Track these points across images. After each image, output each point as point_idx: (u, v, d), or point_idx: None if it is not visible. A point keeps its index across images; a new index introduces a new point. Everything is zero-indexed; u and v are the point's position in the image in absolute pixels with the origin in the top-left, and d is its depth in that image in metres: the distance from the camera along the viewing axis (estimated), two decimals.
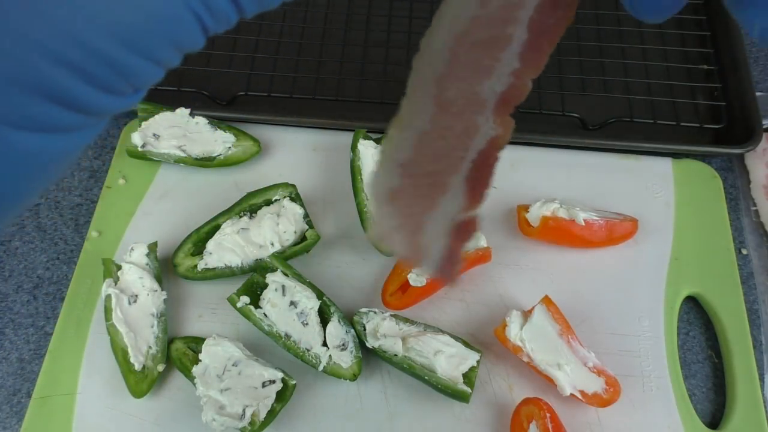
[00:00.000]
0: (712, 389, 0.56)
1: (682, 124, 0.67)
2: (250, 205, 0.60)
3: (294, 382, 0.52)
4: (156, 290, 0.56)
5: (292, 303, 0.54)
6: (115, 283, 0.56)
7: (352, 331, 0.54)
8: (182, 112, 0.64)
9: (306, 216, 0.59)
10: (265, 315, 0.54)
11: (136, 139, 0.63)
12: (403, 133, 0.25)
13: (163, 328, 0.55)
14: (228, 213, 0.60)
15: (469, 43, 0.22)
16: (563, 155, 0.66)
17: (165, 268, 0.59)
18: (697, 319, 0.59)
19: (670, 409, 0.53)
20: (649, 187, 0.64)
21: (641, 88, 0.70)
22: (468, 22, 0.22)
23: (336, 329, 0.53)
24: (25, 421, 0.53)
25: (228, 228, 0.58)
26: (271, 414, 0.50)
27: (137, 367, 0.53)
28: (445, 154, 0.25)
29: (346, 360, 0.53)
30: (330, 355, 0.53)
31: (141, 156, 0.64)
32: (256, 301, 0.55)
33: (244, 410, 0.49)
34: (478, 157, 0.24)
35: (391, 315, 0.54)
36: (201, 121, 0.64)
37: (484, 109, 0.23)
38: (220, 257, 0.58)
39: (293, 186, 0.60)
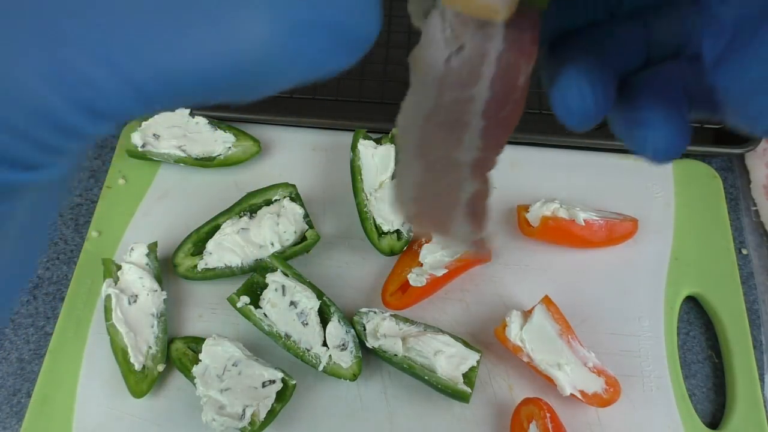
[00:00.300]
0: (712, 389, 0.56)
1: None
2: (250, 205, 0.60)
3: (294, 382, 0.52)
4: (156, 290, 0.56)
5: (292, 303, 0.54)
6: (115, 283, 0.56)
7: (352, 331, 0.54)
8: (182, 111, 0.64)
9: (306, 216, 0.59)
10: (265, 315, 0.54)
11: (136, 139, 0.63)
12: (403, 179, 0.28)
13: (163, 328, 0.55)
14: (228, 213, 0.60)
15: (435, 123, 0.25)
16: (563, 155, 0.66)
17: (165, 268, 0.59)
18: (697, 319, 0.59)
19: (670, 409, 0.53)
20: (649, 187, 0.64)
21: None
22: (431, 107, 0.25)
23: (336, 329, 0.53)
24: (25, 421, 0.53)
25: (228, 228, 0.58)
26: (271, 414, 0.50)
27: (137, 367, 0.53)
28: (442, 197, 0.28)
29: (346, 360, 0.53)
30: (330, 355, 0.53)
31: (141, 156, 0.64)
32: (256, 301, 0.55)
33: (244, 410, 0.49)
34: (471, 199, 0.27)
35: (391, 315, 0.54)
36: (201, 121, 0.64)
37: (462, 170, 0.26)
38: (220, 257, 0.58)
39: (293, 186, 0.60)
